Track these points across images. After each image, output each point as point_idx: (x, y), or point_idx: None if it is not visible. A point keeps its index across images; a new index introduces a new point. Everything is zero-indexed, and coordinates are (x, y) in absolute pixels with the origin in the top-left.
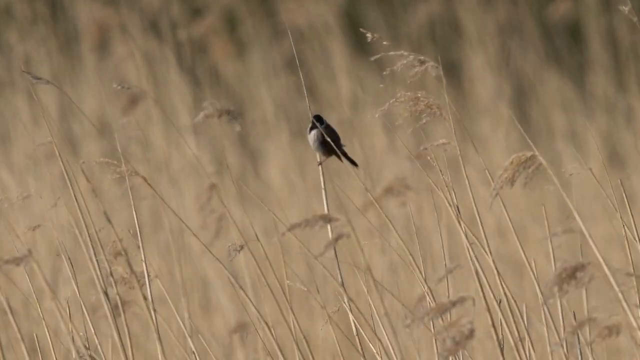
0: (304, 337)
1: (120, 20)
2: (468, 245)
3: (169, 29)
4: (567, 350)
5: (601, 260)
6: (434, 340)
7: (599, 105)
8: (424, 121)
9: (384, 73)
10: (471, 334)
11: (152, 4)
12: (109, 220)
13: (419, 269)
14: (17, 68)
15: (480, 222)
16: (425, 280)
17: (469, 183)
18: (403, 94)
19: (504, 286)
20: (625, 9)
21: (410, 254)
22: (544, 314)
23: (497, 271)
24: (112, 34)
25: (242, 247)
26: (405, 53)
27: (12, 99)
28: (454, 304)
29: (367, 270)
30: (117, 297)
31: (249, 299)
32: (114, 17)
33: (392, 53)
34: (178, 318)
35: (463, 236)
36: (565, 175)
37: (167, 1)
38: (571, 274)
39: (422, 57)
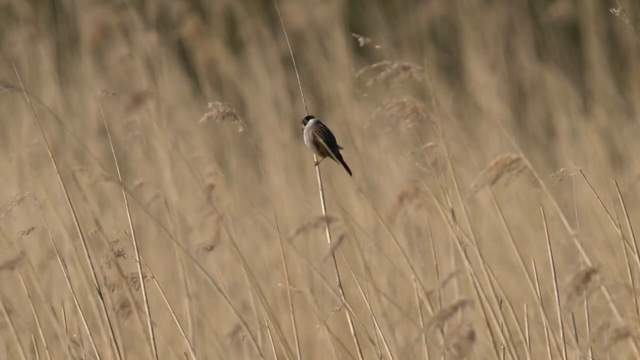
0: (297, 340)
1: (121, 20)
2: (459, 246)
3: (169, 29)
4: (567, 354)
5: (588, 262)
6: (441, 352)
7: (599, 104)
8: (409, 125)
9: (368, 84)
10: (472, 336)
11: (152, 4)
12: (97, 223)
13: (415, 274)
14: (20, 69)
15: (470, 223)
16: (422, 285)
17: (457, 185)
18: (389, 100)
19: (493, 286)
20: (617, 11)
21: (407, 258)
22: (544, 316)
23: (490, 272)
24: (112, 34)
25: (212, 247)
26: (389, 62)
27: (13, 100)
28: (455, 308)
29: (366, 273)
30: (113, 299)
31: (230, 303)
32: (114, 17)
33: (374, 65)
34: (176, 319)
35: (455, 238)
36: (555, 179)
37: (168, 1)
38: (585, 278)
39: (406, 64)
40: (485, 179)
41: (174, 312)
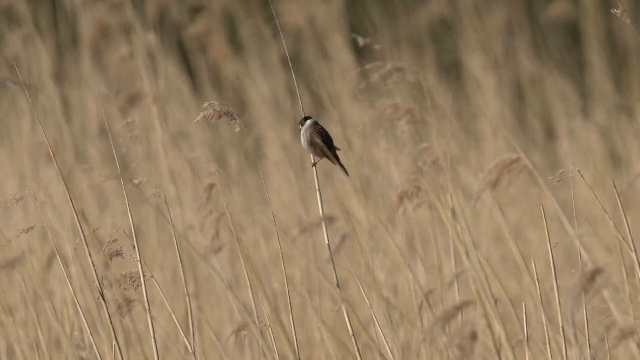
0: (296, 340)
1: (121, 20)
2: (459, 246)
3: (170, 29)
4: (567, 354)
5: (590, 263)
6: (444, 352)
7: (598, 104)
8: (405, 128)
9: (360, 87)
10: (474, 336)
11: (153, 3)
12: (85, 218)
13: (413, 274)
14: (21, 69)
15: (467, 224)
16: (420, 285)
17: (456, 185)
18: (382, 102)
19: (491, 286)
20: (617, 12)
21: (405, 258)
22: (544, 316)
23: (490, 272)
24: (112, 34)
25: (219, 249)
26: (381, 63)
27: (14, 100)
28: (458, 309)
29: (367, 273)
30: (113, 298)
31: (237, 301)
32: (114, 17)
33: (368, 66)
34: (175, 318)
35: (456, 239)
36: (554, 181)
37: (169, 2)
38: (591, 279)
39: (399, 65)
40: (487, 183)
41: (173, 312)
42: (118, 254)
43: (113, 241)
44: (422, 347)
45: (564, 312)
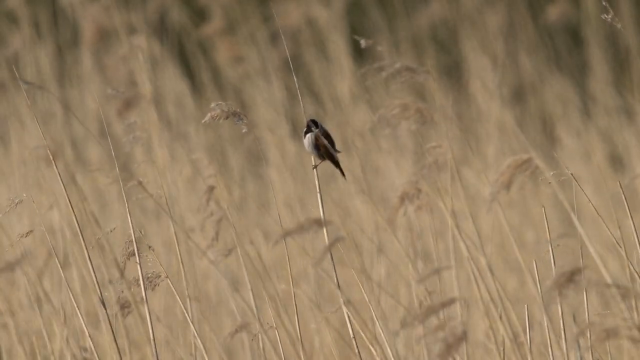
0: (301, 340)
1: (121, 21)
2: (463, 247)
3: (171, 31)
4: (568, 355)
5: (600, 264)
6: (423, 344)
7: (599, 106)
8: (413, 127)
9: (367, 83)
10: (463, 335)
11: (154, 6)
12: (79, 226)
13: (417, 272)
14: (20, 70)
15: (474, 224)
16: (421, 282)
17: (461, 185)
18: (391, 101)
19: (498, 287)
20: (608, 17)
21: (410, 258)
22: (545, 317)
23: (492, 272)
24: (112, 36)
25: (230, 252)
26: (390, 62)
27: (14, 100)
28: (444, 305)
29: (364, 273)
30: (115, 301)
31: (245, 302)
32: (114, 19)
33: (376, 65)
34: (188, 316)
35: (458, 238)
36: (554, 178)
37: (169, 3)
38: (569, 278)
39: (409, 64)
40: (500, 184)
41: (186, 310)
42: (133, 254)
43: (129, 241)
44: (419, 346)
45: (544, 311)
